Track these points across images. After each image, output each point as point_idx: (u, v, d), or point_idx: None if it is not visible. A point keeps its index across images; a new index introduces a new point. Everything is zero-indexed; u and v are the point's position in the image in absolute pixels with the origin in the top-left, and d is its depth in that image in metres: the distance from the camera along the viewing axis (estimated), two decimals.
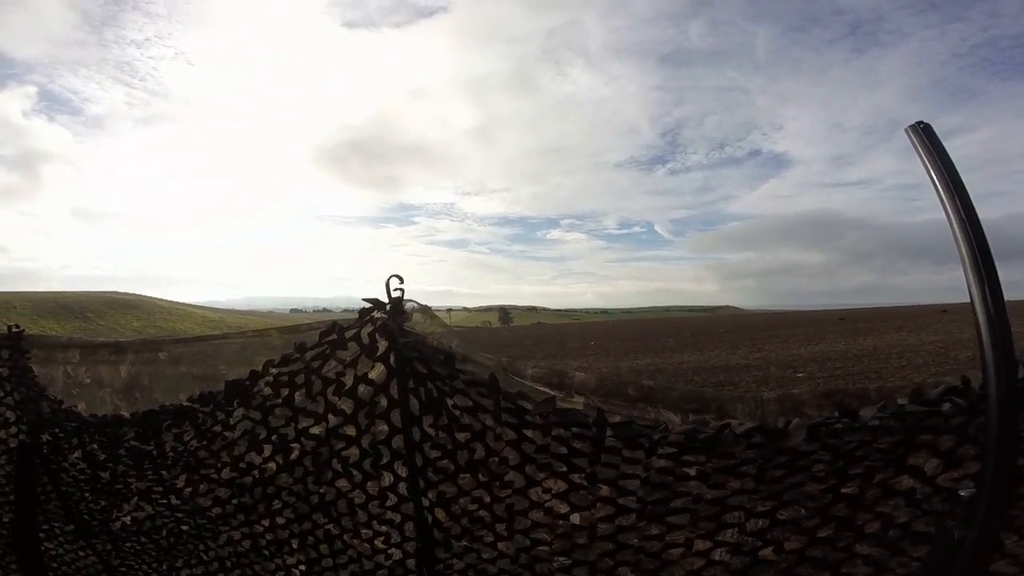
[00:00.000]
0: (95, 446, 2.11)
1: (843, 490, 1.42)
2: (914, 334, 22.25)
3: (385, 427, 1.63)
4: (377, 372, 1.57)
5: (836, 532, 1.43)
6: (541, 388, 1.72)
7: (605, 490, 1.50)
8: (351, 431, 1.67)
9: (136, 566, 2.31)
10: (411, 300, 1.53)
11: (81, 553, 2.44)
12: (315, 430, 1.71)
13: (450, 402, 1.54)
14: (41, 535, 2.45)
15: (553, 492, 1.56)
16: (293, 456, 1.77)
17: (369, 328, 1.55)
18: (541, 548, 1.62)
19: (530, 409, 1.45)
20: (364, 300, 1.54)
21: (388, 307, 1.53)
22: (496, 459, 1.56)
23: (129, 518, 2.24)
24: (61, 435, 2.19)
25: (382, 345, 1.54)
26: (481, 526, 1.64)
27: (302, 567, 1.90)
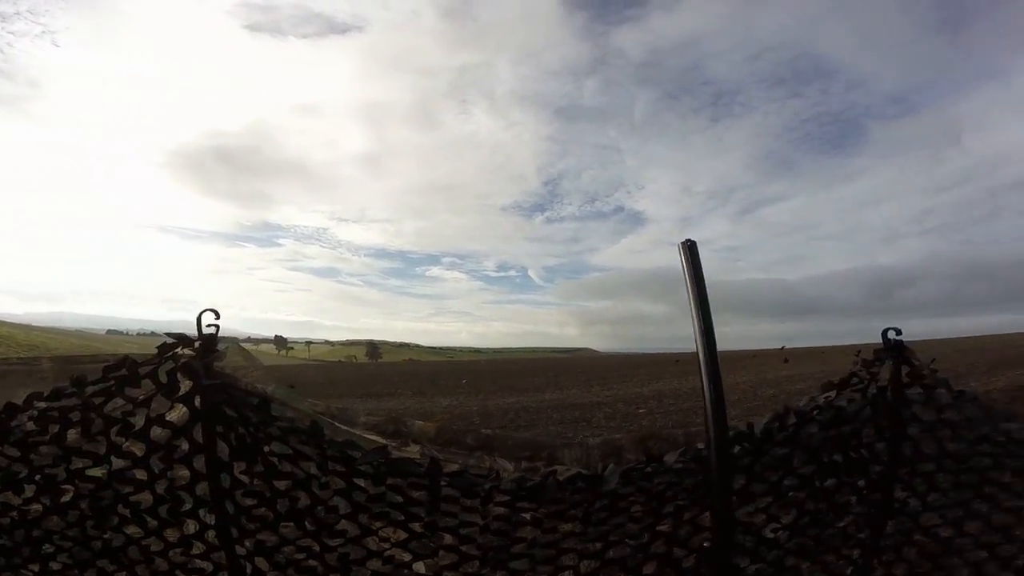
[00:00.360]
0: None
1: (659, 528, 1.56)
2: (733, 374, 26.02)
3: (188, 471, 1.43)
4: (178, 414, 1.37)
5: (658, 569, 1.55)
6: (372, 437, 1.67)
7: (448, 538, 1.50)
8: (141, 475, 1.47)
9: None
10: (228, 337, 1.38)
11: None
12: (95, 472, 1.48)
13: (267, 448, 1.44)
14: None
15: (392, 541, 1.53)
16: (66, 498, 1.52)
17: (170, 366, 1.37)
18: None
19: (358, 458, 1.42)
20: (168, 336, 1.40)
21: (197, 344, 1.39)
22: (323, 508, 1.49)
23: None
24: None
25: (185, 385, 1.37)
26: None
27: None
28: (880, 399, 1.60)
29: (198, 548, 1.54)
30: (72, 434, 1.43)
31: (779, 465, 1.56)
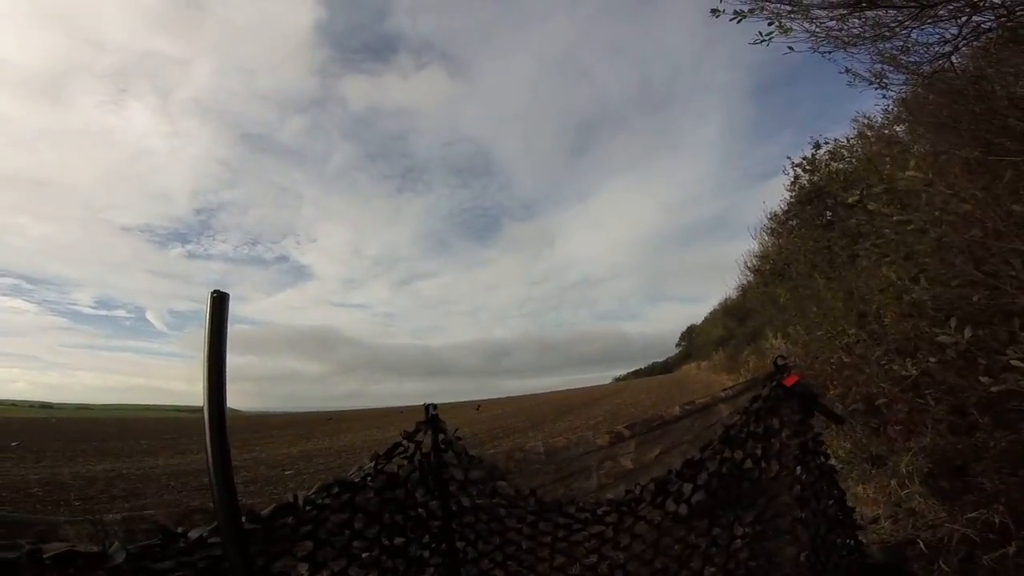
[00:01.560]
0: None
1: None
2: (381, 431, 26.98)
3: None
4: None
5: None
6: None
7: None
8: None
9: None
10: None
11: None
12: None
13: None
14: None
15: None
16: None
17: None
18: None
19: None
20: None
21: None
22: None
23: None
24: None
25: None
26: None
27: None
28: (426, 463, 1.91)
29: None
30: None
31: (342, 530, 1.63)
